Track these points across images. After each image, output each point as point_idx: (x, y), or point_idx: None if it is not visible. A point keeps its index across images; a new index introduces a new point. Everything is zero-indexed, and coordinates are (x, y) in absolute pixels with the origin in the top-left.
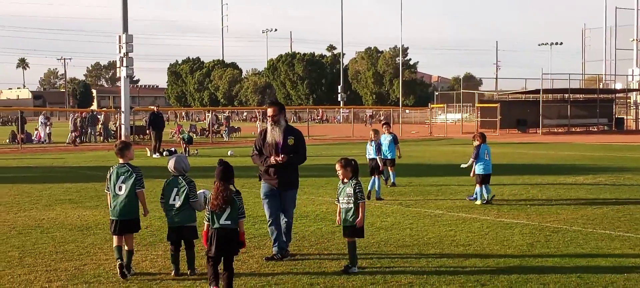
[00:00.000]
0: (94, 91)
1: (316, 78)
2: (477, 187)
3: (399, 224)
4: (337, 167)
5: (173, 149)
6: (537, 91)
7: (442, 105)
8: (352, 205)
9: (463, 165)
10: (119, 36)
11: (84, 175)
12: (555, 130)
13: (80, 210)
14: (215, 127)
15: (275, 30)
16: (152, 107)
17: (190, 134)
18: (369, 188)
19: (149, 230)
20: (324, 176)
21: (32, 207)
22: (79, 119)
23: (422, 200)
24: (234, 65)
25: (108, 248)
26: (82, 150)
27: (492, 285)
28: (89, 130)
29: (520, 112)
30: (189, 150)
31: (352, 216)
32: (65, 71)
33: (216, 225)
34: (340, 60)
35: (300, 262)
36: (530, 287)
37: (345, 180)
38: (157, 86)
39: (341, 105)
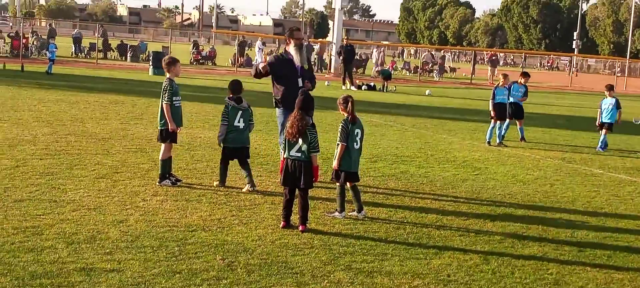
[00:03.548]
0: (331, 22)
1: (551, 23)
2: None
3: (543, 178)
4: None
5: (372, 84)
6: None
7: None
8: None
9: (635, 120)
10: None
11: (263, 99)
12: None
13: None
14: (429, 66)
15: None
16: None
17: (390, 69)
18: (497, 133)
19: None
20: None
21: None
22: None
23: (588, 157)
24: (467, 5)
25: (211, 170)
26: None
27: (587, 254)
28: None
29: None
30: (387, 86)
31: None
32: (304, 1)
33: (286, 155)
34: (580, 4)
35: (422, 205)
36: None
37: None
38: (391, 22)
39: (575, 52)
